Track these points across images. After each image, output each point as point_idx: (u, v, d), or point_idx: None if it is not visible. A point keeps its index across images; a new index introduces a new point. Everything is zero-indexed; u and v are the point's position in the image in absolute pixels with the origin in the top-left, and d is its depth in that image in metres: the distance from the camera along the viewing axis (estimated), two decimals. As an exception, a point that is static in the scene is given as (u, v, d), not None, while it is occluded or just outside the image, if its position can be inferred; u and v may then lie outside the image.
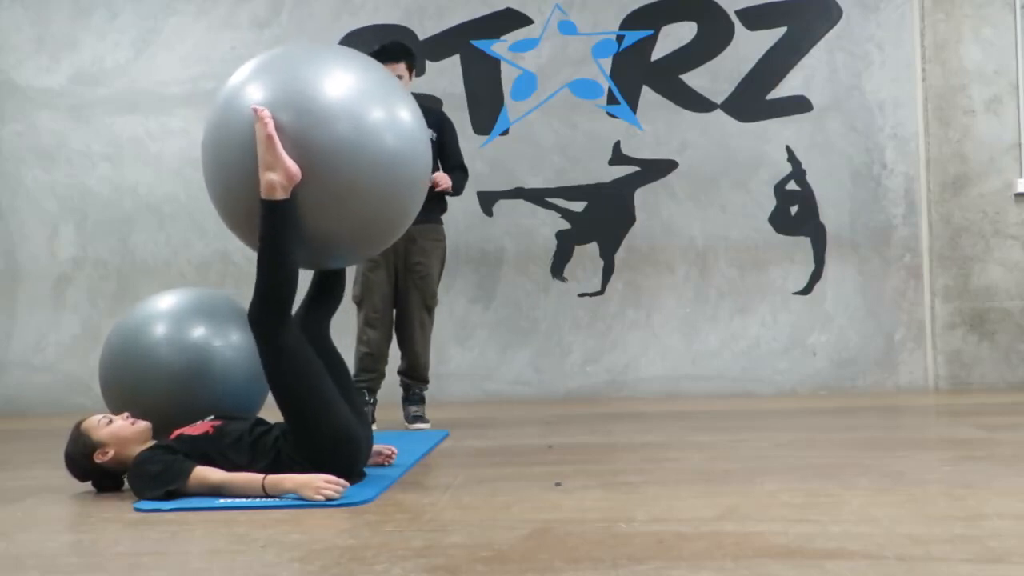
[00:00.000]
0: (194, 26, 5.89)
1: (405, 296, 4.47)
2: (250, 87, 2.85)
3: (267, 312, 2.80)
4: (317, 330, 3.02)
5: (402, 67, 4.46)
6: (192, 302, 3.42)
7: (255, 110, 2.74)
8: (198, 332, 3.29)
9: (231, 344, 3.31)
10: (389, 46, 4.51)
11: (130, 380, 3.26)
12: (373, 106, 2.87)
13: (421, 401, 4.56)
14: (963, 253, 5.62)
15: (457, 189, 4.53)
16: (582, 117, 5.74)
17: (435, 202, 4.38)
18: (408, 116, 2.95)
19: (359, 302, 4.46)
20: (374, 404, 4.42)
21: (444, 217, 4.60)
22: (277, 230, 2.76)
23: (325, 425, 2.79)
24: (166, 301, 3.42)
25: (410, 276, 4.45)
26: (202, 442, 2.84)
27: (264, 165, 2.72)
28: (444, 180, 4.36)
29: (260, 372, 3.39)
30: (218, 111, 2.93)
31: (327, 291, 3.15)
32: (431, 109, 4.81)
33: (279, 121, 2.73)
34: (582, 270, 5.73)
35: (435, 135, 4.50)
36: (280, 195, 2.72)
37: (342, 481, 2.69)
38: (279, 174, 2.71)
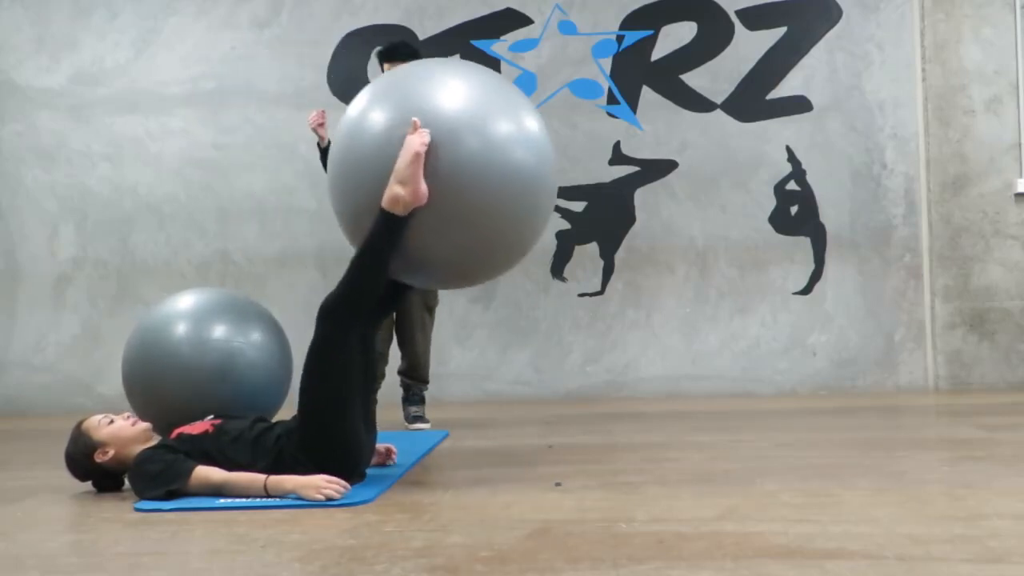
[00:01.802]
0: (194, 26, 5.89)
1: (406, 296, 4.47)
2: (376, 110, 2.79)
3: (343, 310, 2.80)
4: (368, 330, 3.01)
5: None
6: (215, 302, 3.43)
7: (414, 122, 2.69)
8: (221, 332, 3.30)
9: (254, 344, 3.32)
10: (398, 45, 4.52)
11: (151, 378, 3.28)
12: (501, 124, 2.77)
13: (421, 401, 4.56)
14: (963, 253, 5.62)
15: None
16: (582, 117, 5.74)
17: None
18: (538, 133, 2.84)
19: (359, 302, 4.46)
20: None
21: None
22: (383, 242, 2.74)
23: (335, 429, 2.79)
24: (188, 301, 3.43)
25: (410, 276, 4.45)
26: (202, 441, 2.85)
27: (397, 176, 2.67)
28: None
29: (281, 373, 3.42)
30: (345, 137, 2.87)
31: (393, 298, 3.14)
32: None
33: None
34: (582, 270, 5.73)
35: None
36: (400, 211, 2.69)
37: (344, 482, 2.70)
38: (408, 191, 2.67)
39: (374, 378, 3.08)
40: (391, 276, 2.88)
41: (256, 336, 3.34)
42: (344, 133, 2.88)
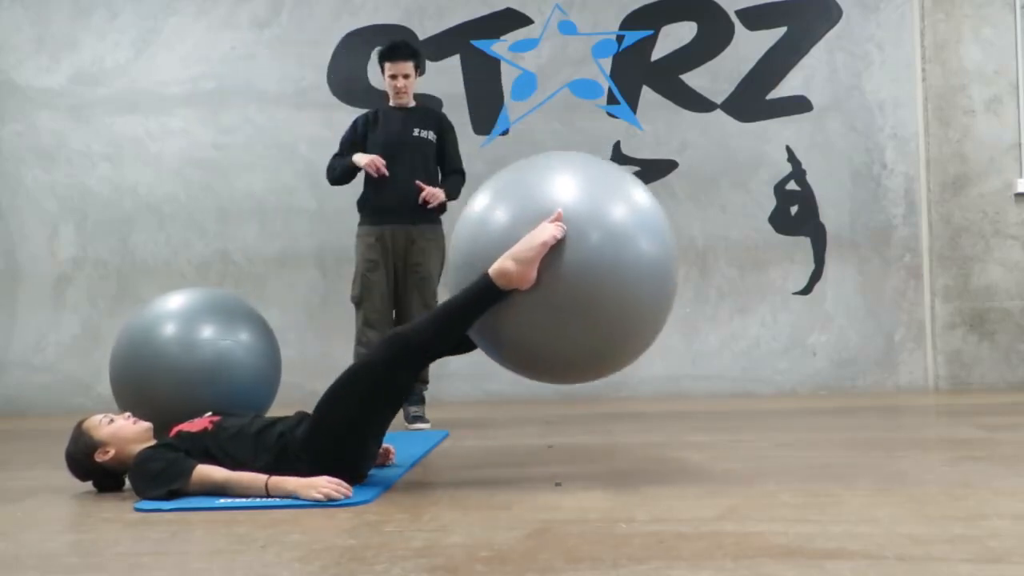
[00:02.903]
0: (194, 26, 5.89)
1: (405, 297, 4.47)
2: (501, 207, 2.81)
3: (405, 348, 2.80)
4: (420, 368, 3.00)
5: (410, 66, 4.49)
6: (204, 301, 3.43)
7: (558, 212, 2.69)
8: (210, 331, 3.30)
9: (243, 343, 3.31)
10: (399, 44, 4.54)
11: (140, 378, 3.28)
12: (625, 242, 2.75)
13: (421, 401, 4.56)
14: (963, 253, 5.62)
15: (454, 194, 4.54)
16: (582, 117, 5.74)
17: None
18: (658, 223, 2.83)
19: (358, 303, 4.46)
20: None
21: (443, 217, 4.60)
22: (474, 308, 2.76)
23: (348, 442, 2.79)
24: (176, 301, 3.43)
25: (410, 277, 4.45)
26: (202, 438, 2.84)
27: (516, 253, 2.68)
28: (434, 198, 4.38)
29: (271, 372, 3.41)
30: (468, 231, 2.87)
31: (455, 349, 3.12)
32: (431, 110, 4.82)
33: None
34: (582, 270, 5.72)
35: (435, 137, 4.52)
36: (502, 284, 2.70)
37: (346, 484, 2.69)
38: (518, 270, 2.67)
39: (401, 403, 3.06)
40: (476, 340, 2.91)
41: (245, 335, 3.34)
42: (467, 225, 2.89)
